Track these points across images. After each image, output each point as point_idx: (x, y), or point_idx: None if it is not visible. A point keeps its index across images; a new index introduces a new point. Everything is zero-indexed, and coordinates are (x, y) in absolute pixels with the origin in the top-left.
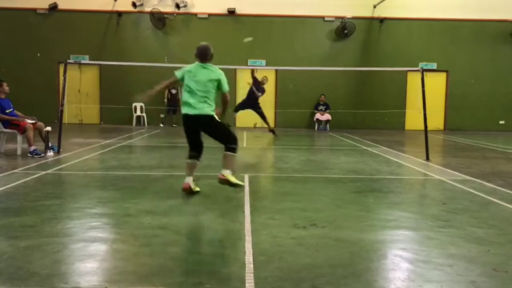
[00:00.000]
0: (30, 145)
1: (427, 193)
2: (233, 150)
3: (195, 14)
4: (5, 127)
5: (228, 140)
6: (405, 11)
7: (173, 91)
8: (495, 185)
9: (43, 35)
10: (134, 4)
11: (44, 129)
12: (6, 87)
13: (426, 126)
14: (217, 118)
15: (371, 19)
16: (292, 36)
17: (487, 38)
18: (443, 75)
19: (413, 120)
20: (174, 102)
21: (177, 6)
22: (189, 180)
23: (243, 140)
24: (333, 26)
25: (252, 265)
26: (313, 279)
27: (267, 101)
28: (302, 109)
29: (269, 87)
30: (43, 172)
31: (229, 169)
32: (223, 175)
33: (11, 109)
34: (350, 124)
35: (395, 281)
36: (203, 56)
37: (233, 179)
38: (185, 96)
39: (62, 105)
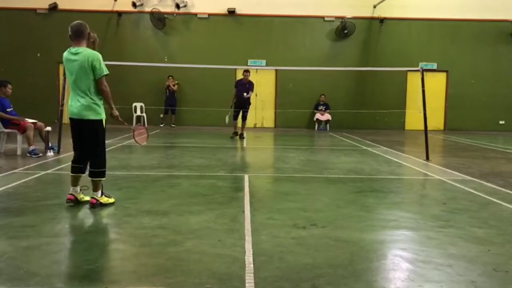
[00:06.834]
0: (30, 145)
1: (427, 193)
2: (98, 175)
3: (195, 14)
4: (5, 127)
5: (94, 162)
6: (405, 11)
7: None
8: (495, 185)
9: (43, 35)
10: (134, 4)
11: (44, 129)
12: (9, 90)
13: (426, 126)
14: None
15: (371, 19)
16: (292, 36)
17: (487, 38)
18: (443, 75)
19: (413, 120)
20: (172, 101)
21: (177, 6)
22: (75, 191)
23: (243, 140)
24: (333, 26)
25: (252, 265)
26: (313, 279)
27: (267, 101)
28: (302, 109)
29: (269, 87)
30: (43, 172)
31: (99, 191)
32: (95, 199)
33: (11, 109)
34: (350, 124)
35: (395, 281)
36: (76, 35)
37: (105, 200)
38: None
39: (62, 105)
